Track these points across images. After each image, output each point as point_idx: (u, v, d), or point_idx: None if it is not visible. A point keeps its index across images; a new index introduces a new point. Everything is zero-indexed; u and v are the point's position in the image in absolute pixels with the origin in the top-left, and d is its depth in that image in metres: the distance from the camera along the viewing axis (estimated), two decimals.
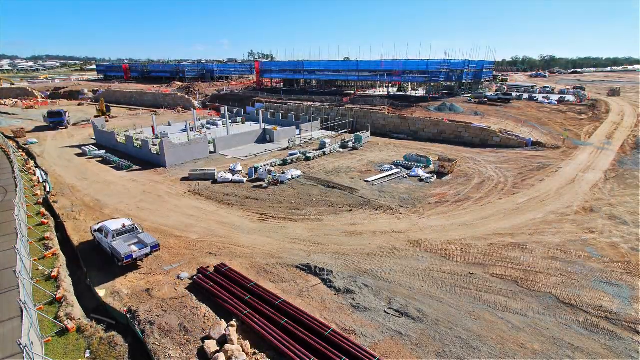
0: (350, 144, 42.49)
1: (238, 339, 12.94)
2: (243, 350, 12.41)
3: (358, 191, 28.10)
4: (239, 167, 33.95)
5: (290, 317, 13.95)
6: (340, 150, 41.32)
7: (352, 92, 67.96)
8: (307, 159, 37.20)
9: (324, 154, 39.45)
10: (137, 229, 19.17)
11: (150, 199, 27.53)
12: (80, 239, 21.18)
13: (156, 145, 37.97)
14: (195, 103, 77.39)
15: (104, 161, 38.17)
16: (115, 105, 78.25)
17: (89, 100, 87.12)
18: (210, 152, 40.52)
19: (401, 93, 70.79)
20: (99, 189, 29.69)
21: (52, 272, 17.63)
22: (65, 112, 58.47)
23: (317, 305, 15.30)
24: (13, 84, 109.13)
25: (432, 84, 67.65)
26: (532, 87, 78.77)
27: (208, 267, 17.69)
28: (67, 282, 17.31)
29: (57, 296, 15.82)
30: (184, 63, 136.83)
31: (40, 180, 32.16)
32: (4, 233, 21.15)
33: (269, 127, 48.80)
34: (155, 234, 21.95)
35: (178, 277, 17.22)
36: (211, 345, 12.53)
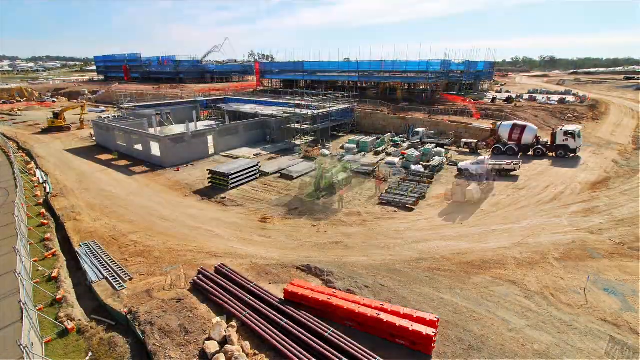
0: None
1: (238, 339, 12.95)
2: (243, 351, 12.42)
3: None
4: None
5: (290, 318, 13.95)
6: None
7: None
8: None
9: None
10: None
11: (150, 199, 27.56)
12: (81, 239, 21.19)
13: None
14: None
15: (104, 162, 38.18)
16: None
17: (88, 101, 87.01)
18: (210, 154, 40.55)
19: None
20: (99, 190, 29.71)
21: (52, 273, 17.67)
22: None
23: None
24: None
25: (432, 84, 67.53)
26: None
27: (208, 268, 17.70)
28: (67, 283, 17.35)
29: (58, 297, 15.85)
30: (183, 63, 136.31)
31: (41, 181, 32.18)
32: (4, 236, 21.15)
33: None
34: (155, 236, 21.96)
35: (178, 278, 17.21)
36: (211, 346, 12.54)
